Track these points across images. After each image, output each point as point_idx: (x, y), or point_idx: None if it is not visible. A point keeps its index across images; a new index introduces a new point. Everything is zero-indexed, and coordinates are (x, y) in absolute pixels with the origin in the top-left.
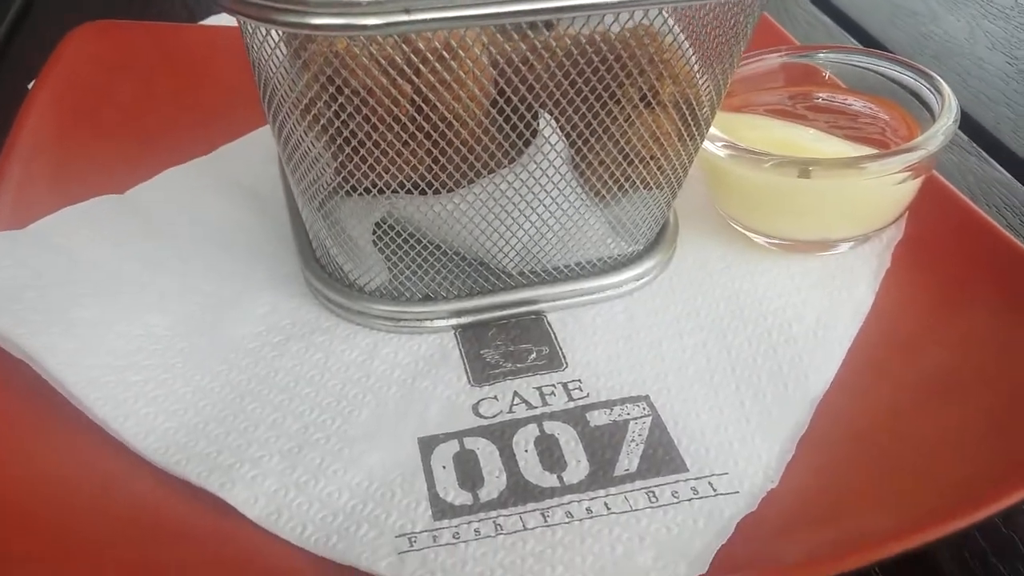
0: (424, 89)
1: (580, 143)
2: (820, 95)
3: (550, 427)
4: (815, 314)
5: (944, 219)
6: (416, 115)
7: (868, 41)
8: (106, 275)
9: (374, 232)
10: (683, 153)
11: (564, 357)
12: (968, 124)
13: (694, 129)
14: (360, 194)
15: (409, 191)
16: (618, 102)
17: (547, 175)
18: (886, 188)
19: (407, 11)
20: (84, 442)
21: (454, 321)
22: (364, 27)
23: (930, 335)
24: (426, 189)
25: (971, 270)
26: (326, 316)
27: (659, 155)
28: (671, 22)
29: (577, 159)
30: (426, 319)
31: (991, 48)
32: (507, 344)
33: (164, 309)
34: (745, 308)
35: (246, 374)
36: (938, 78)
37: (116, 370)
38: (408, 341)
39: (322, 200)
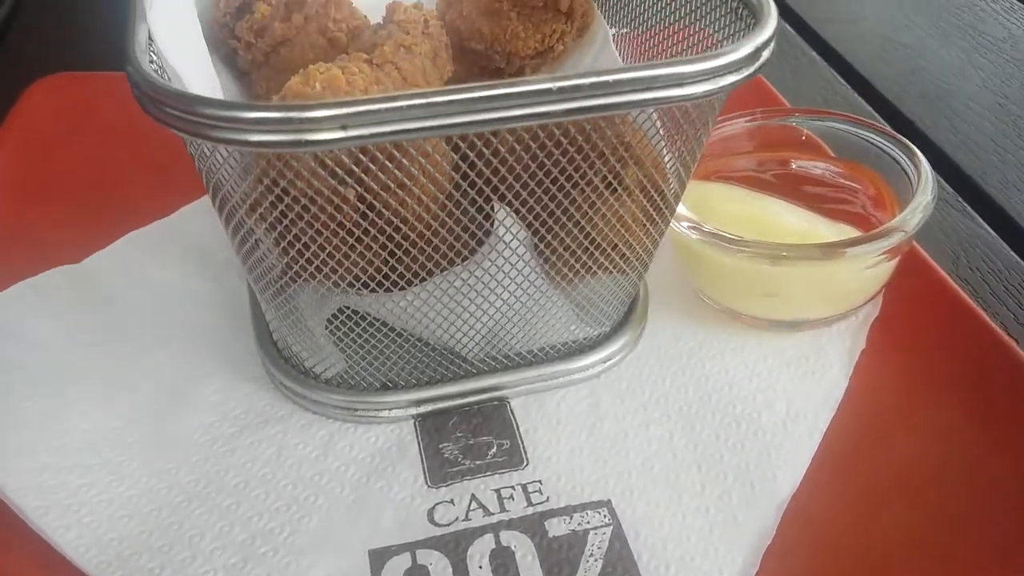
0: (368, 196)
1: (542, 230)
2: (794, 162)
3: (507, 538)
4: (785, 401)
5: (922, 297)
6: (361, 220)
7: (855, 78)
8: (55, 360)
9: (329, 323)
10: (647, 239)
11: (525, 452)
12: (953, 173)
13: (658, 213)
14: (313, 287)
15: (361, 288)
16: (580, 187)
17: (503, 271)
18: (862, 271)
19: (343, 128)
20: (24, 551)
21: (413, 411)
22: (301, 143)
23: (904, 425)
24: (377, 288)
25: (948, 353)
26: (281, 403)
27: (624, 241)
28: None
29: (539, 246)
30: (384, 409)
31: (982, 86)
32: (467, 436)
33: (114, 398)
34: (714, 394)
35: (195, 473)
36: (915, 149)
37: (60, 472)
38: (365, 432)
39: (275, 291)
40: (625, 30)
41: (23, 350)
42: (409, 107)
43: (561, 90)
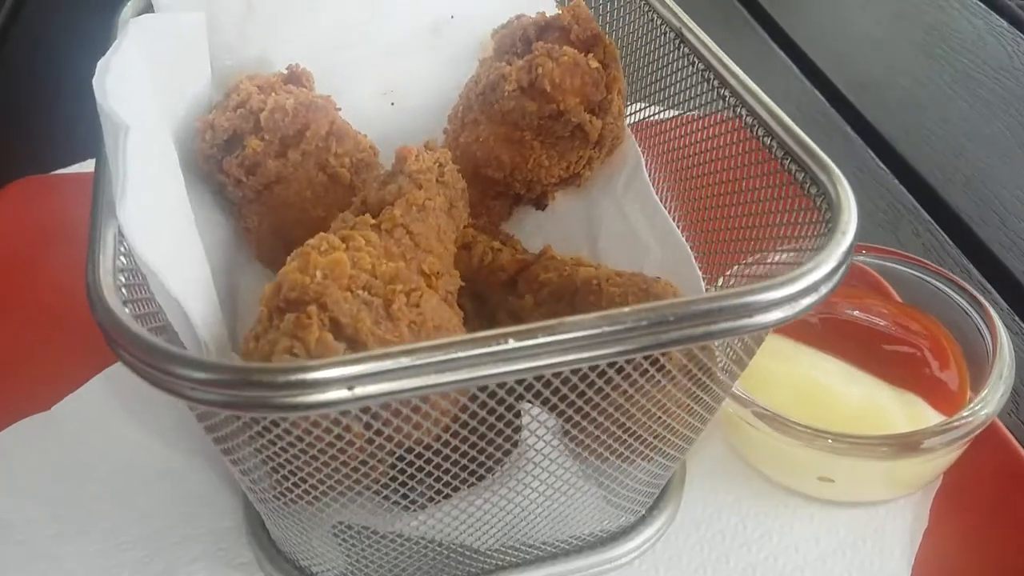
0: (378, 428)
1: (567, 425)
2: (852, 310)
3: None
4: None
5: (985, 460)
6: (368, 458)
7: (893, 160)
8: (16, 547)
9: (334, 535)
10: (691, 431)
11: None
12: (1009, 287)
13: (708, 398)
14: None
15: (368, 514)
16: (617, 369)
17: (531, 487)
18: (933, 459)
19: (349, 388)
20: None
21: None
22: (300, 406)
23: None
24: (386, 513)
25: (1018, 531)
26: None
27: (665, 432)
28: None
29: (569, 435)
30: None
31: None
32: None
33: None
34: None
35: None
36: (987, 305)
37: None
38: None
39: (273, 508)
40: (675, 113)
41: None
42: (428, 364)
43: (614, 333)
